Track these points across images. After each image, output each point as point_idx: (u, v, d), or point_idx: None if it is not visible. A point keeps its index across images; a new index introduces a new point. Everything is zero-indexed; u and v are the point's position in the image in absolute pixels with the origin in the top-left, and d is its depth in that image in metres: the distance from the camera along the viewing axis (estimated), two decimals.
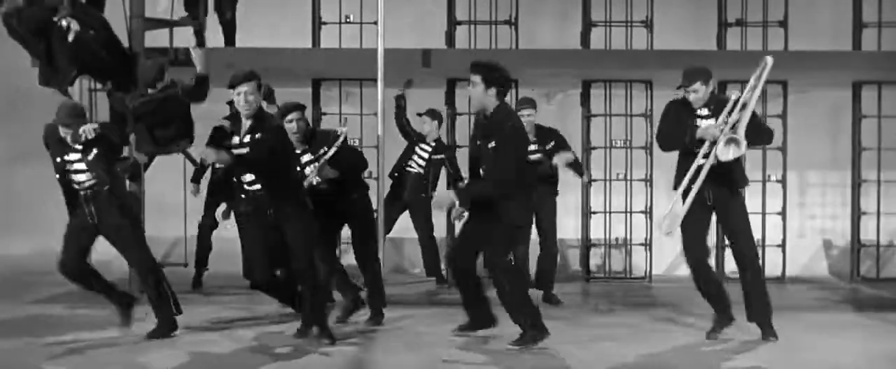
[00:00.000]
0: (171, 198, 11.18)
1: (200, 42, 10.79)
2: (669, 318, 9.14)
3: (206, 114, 10.62)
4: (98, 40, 9.53)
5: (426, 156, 11.08)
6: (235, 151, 7.42)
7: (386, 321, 8.62)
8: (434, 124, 11.07)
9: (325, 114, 11.78)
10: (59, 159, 7.83)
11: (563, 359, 7.26)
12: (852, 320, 9.22)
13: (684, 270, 12.24)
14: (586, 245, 11.85)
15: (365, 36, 11.39)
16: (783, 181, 11.72)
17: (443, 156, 11.09)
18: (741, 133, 7.72)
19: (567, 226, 12.09)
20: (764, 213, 11.73)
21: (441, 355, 7.32)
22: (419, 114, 11.10)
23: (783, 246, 11.74)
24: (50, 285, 10.74)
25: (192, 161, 10.53)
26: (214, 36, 11.28)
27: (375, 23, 10.83)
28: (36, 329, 8.29)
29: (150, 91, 9.32)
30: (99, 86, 9.94)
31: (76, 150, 7.79)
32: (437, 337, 8.06)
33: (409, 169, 11.10)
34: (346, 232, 8.62)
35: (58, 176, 7.89)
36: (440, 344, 7.76)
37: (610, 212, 11.72)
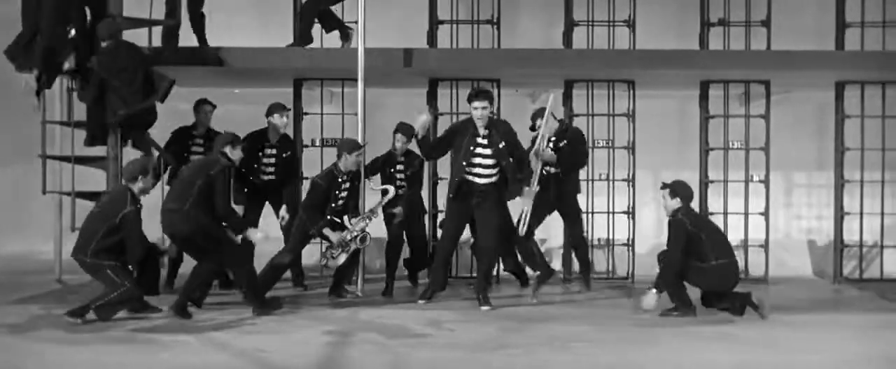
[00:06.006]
0: (149, 197, 11.09)
1: (174, 41, 10.80)
2: (657, 317, 9.12)
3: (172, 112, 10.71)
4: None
5: (402, 175, 10.68)
6: None
7: (362, 320, 8.68)
8: (404, 140, 10.57)
9: (306, 113, 11.74)
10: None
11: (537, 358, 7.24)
12: (832, 320, 9.17)
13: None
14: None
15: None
16: (766, 181, 11.66)
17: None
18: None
19: (554, 226, 12.09)
20: (747, 214, 11.69)
21: (417, 355, 7.30)
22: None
23: (766, 246, 11.69)
24: (35, 286, 10.73)
25: (169, 160, 10.50)
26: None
27: (357, 22, 10.84)
28: (20, 328, 8.25)
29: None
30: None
31: None
32: (414, 336, 8.05)
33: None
34: None
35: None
36: (417, 343, 7.74)
37: (592, 213, 11.66)
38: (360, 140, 10.18)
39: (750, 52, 11.42)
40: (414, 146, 10.30)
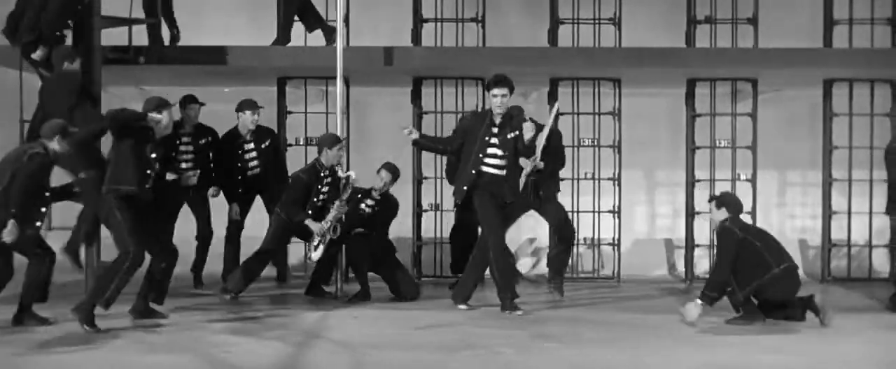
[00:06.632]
0: None
1: (156, 39, 10.77)
2: (637, 317, 9.08)
3: None
4: None
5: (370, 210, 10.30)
6: None
7: (333, 321, 8.67)
8: (388, 178, 10.19)
9: (290, 112, 11.69)
10: None
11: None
12: (815, 321, 8.99)
13: (651, 270, 12.35)
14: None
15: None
16: (753, 180, 11.55)
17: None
18: None
19: (534, 227, 12.05)
20: None
21: (380, 356, 7.25)
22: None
23: None
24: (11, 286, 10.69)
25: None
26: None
27: (343, 21, 10.83)
28: None
29: None
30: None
31: None
32: (384, 337, 8.01)
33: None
34: None
35: None
36: (384, 344, 7.70)
37: (578, 212, 11.58)
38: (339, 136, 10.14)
39: (737, 50, 11.32)
40: (394, 190, 10.27)
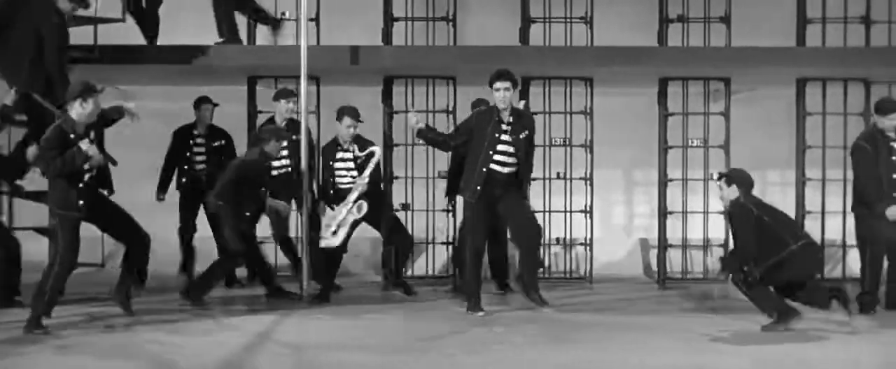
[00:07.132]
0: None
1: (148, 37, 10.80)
2: (607, 318, 9.05)
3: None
4: None
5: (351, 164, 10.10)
6: None
7: (290, 323, 8.64)
8: (353, 124, 9.96)
9: (260, 111, 11.61)
10: None
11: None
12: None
13: (624, 270, 12.27)
14: None
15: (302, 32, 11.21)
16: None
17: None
18: None
19: None
20: (706, 213, 11.53)
21: (326, 358, 7.20)
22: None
23: (725, 245, 11.49)
24: None
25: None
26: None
27: (312, 19, 10.77)
28: None
29: None
30: None
31: None
32: (334, 339, 7.94)
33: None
34: None
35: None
36: (333, 347, 7.64)
37: (549, 212, 11.51)
38: (302, 136, 10.08)
39: (709, 49, 11.24)
40: (362, 130, 10.10)
